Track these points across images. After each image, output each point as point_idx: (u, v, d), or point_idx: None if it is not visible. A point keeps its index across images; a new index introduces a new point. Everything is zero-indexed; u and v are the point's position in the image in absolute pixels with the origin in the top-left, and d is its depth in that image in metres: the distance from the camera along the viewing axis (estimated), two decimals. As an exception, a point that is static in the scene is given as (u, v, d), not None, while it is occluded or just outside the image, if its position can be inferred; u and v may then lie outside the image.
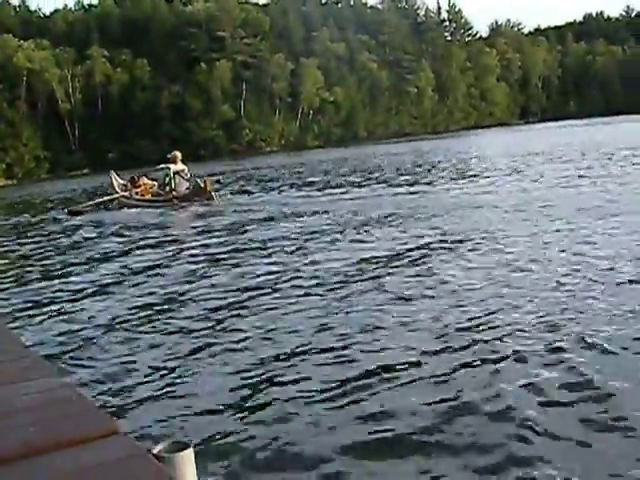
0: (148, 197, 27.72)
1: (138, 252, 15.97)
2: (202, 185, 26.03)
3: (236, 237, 16.81)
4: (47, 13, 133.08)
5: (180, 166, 27.22)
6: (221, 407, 5.89)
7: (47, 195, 49.23)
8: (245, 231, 17.74)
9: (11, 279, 13.80)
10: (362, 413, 5.48)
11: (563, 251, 10.87)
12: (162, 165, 27.82)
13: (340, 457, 4.82)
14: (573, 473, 4.26)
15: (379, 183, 27.90)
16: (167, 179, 27.08)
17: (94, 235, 20.32)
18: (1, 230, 25.65)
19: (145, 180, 29.01)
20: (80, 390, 3.10)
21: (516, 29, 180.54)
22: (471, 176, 27.22)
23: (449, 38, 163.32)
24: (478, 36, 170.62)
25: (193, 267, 13.11)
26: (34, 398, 2.64)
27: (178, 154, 27.52)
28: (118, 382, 6.74)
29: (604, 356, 6.17)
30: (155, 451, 2.27)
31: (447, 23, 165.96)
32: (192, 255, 14.72)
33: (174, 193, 26.59)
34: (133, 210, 26.08)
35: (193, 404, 6.00)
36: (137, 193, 28.09)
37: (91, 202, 29.39)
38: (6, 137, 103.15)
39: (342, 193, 24.62)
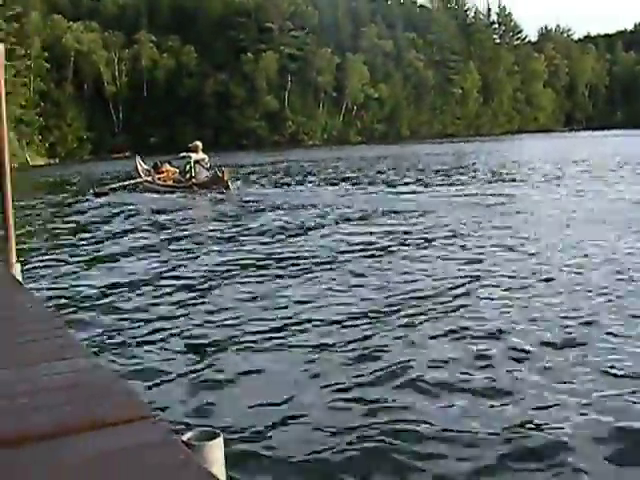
0: (169, 183, 29.10)
1: (156, 231, 17.17)
2: (220, 174, 27.50)
3: (246, 223, 17.81)
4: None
5: (201, 155, 28.70)
6: (252, 396, 5.89)
7: (84, 176, 49.70)
8: (257, 218, 18.70)
9: (42, 256, 13.94)
10: (379, 412, 5.49)
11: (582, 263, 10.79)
12: (184, 154, 29.18)
13: (360, 449, 4.83)
14: None
15: (415, 182, 28.14)
16: (188, 167, 28.42)
17: (118, 216, 21.44)
18: (34, 207, 26.12)
19: (168, 167, 30.32)
20: (112, 371, 3.10)
21: (565, 35, 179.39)
22: (510, 181, 27.25)
23: (498, 41, 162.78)
24: (527, 40, 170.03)
25: (206, 248, 14.23)
26: (67, 377, 2.65)
27: (199, 144, 28.90)
28: (150, 365, 6.77)
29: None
30: (185, 438, 2.26)
31: (496, 25, 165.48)
32: (205, 236, 16.18)
33: (194, 180, 28.00)
34: (155, 194, 27.48)
35: (225, 392, 6.01)
36: (159, 179, 29.44)
37: (115, 185, 30.74)
38: (51, 116, 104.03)
39: (376, 191, 25.00)
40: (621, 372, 6.07)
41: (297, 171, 40.89)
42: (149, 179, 29.67)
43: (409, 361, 6.48)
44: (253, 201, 23.22)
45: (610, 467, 4.48)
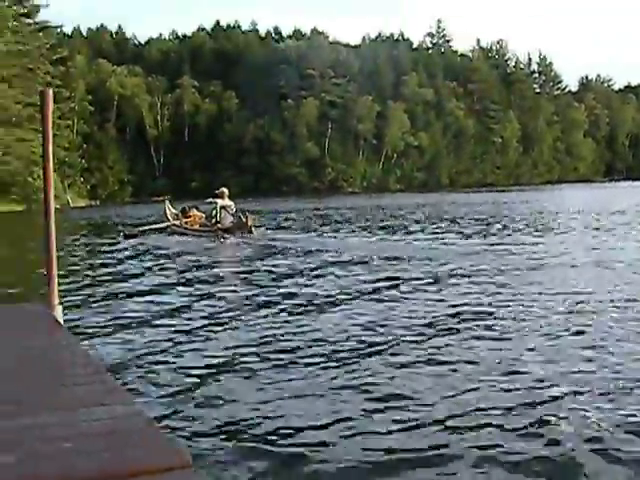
0: (196, 227, 30.37)
1: (184, 274, 17.78)
2: (244, 220, 28.46)
3: (267, 266, 18.52)
4: (142, 41, 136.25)
5: (227, 202, 29.76)
6: (295, 449, 5.87)
7: (122, 218, 50.17)
8: (278, 262, 19.38)
9: (78, 297, 14.06)
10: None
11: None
12: (210, 199, 30.37)
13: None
14: None
15: (449, 231, 28.25)
16: (214, 212, 29.49)
17: (148, 258, 22.26)
18: (71, 248, 26.52)
19: (195, 212, 31.59)
20: (151, 418, 3.10)
21: (606, 85, 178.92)
22: (546, 231, 27.23)
23: (538, 90, 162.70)
24: (567, 90, 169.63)
25: (230, 288, 15.00)
26: (107, 424, 2.64)
27: (225, 190, 30.09)
28: (188, 410, 6.77)
29: None
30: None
31: (537, 75, 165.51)
32: (229, 278, 17.28)
33: (219, 225, 28.96)
34: (182, 237, 28.82)
35: (266, 442, 5.99)
36: (186, 223, 30.72)
37: (145, 227, 32.00)
38: (93, 159, 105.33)
39: (408, 240, 25.15)
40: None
41: (333, 218, 41.18)
42: (177, 223, 30.85)
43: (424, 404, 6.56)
44: (277, 246, 24.09)
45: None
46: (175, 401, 7.09)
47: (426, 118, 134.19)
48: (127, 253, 23.78)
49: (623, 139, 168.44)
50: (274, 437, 6.04)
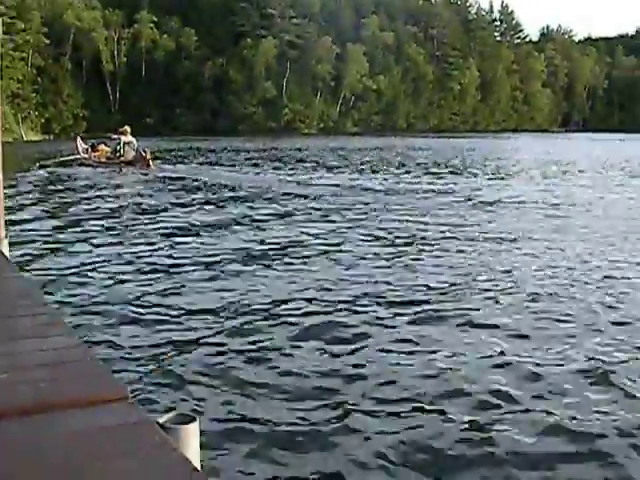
0: (102, 160, 34.82)
1: (90, 198, 22.14)
2: (143, 154, 33.08)
3: (163, 196, 22.66)
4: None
5: (129, 138, 34.60)
6: (226, 381, 5.92)
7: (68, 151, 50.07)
8: (173, 193, 23.69)
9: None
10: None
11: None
12: (115, 136, 35.40)
13: (344, 436, 4.91)
14: None
15: (389, 175, 31.69)
16: (118, 147, 34.23)
17: (63, 186, 26.62)
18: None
19: (103, 147, 36.28)
20: (92, 351, 3.12)
21: (566, 36, 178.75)
22: (501, 178, 28.65)
23: (498, 38, 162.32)
24: (528, 39, 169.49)
25: (130, 212, 19.31)
26: (49, 355, 2.66)
27: (128, 128, 35.01)
28: (125, 342, 6.79)
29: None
30: (161, 421, 2.28)
31: (498, 23, 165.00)
32: (128, 202, 21.62)
33: (122, 159, 33.72)
34: (89, 169, 33.08)
35: (201, 376, 6.04)
36: (95, 156, 35.46)
37: (56, 160, 36.11)
38: (48, 92, 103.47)
39: (344, 179, 28.90)
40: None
41: (281, 159, 42.70)
42: (86, 156, 35.59)
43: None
44: (170, 177, 29.06)
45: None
46: (112, 332, 7.15)
47: (385, 62, 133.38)
48: (39, 183, 27.87)
49: (581, 91, 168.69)
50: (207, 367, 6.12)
